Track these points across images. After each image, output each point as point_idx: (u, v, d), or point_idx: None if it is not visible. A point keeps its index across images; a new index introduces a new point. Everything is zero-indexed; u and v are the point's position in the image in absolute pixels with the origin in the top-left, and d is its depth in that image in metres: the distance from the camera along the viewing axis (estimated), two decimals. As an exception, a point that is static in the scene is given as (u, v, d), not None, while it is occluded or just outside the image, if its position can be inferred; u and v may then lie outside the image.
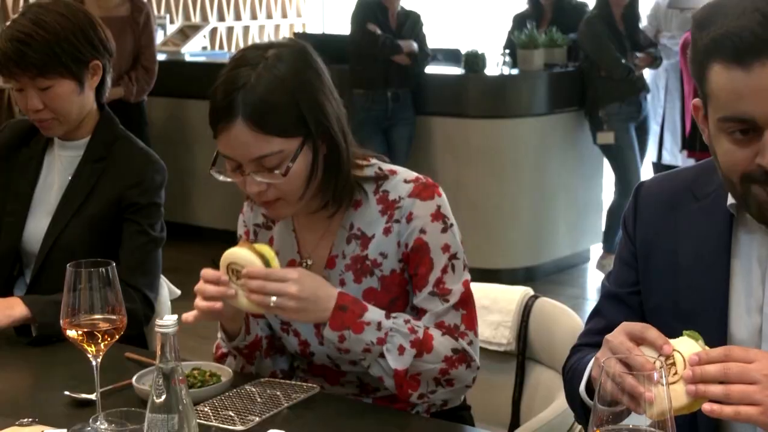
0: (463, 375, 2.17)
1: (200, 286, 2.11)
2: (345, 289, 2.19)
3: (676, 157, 7.31)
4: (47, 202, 2.77)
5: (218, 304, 2.09)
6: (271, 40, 2.14)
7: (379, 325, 2.10)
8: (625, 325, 1.67)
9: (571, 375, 1.93)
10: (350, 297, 2.11)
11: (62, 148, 2.80)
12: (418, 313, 2.19)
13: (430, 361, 2.12)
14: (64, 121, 2.73)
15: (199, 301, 2.11)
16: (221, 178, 2.16)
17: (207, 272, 2.11)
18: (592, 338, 1.95)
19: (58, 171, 2.80)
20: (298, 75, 2.08)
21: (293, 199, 2.13)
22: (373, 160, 2.25)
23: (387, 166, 2.24)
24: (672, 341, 1.62)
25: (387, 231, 2.18)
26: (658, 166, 7.18)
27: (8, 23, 2.69)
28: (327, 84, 2.13)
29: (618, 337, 1.65)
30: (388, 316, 2.12)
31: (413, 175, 2.22)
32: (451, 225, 2.20)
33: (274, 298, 2.03)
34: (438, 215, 2.18)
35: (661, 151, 7.25)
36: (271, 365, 2.32)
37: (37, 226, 2.75)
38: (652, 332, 1.64)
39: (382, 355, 2.11)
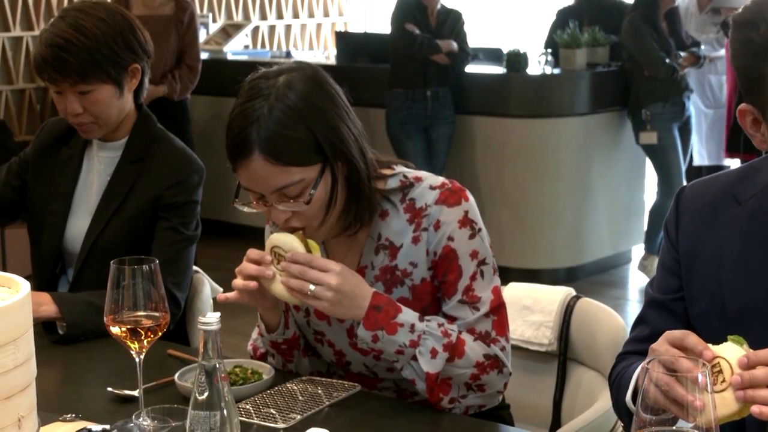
0: (495, 381, 2.17)
1: (242, 265, 2.11)
2: None
3: (704, 158, 7.26)
4: (88, 202, 2.78)
5: (253, 284, 2.09)
6: (281, 66, 2.12)
7: (412, 327, 2.10)
8: (668, 334, 1.66)
9: (617, 384, 1.92)
10: (385, 297, 2.11)
11: (101, 148, 2.81)
12: (448, 321, 2.18)
13: (462, 366, 2.12)
14: (103, 125, 2.73)
15: (236, 280, 2.11)
16: (246, 209, 2.16)
17: (252, 251, 2.12)
18: (637, 346, 1.94)
19: (97, 171, 2.81)
20: (311, 102, 2.06)
21: (318, 224, 2.12)
22: (398, 168, 2.23)
23: (412, 173, 2.23)
24: (716, 347, 1.60)
25: (416, 240, 2.17)
26: (690, 169, 7.11)
27: (47, 26, 2.67)
28: (341, 105, 2.11)
29: (662, 345, 1.64)
30: (421, 319, 2.12)
31: (439, 180, 2.21)
32: (480, 230, 2.18)
33: (312, 287, 2.03)
34: (465, 221, 2.17)
35: (691, 153, 7.18)
36: (309, 366, 2.32)
37: (78, 225, 2.77)
38: (692, 338, 1.62)
39: (414, 358, 2.10)
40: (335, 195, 2.11)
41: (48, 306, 2.52)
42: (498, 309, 2.18)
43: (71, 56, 2.60)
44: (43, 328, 2.55)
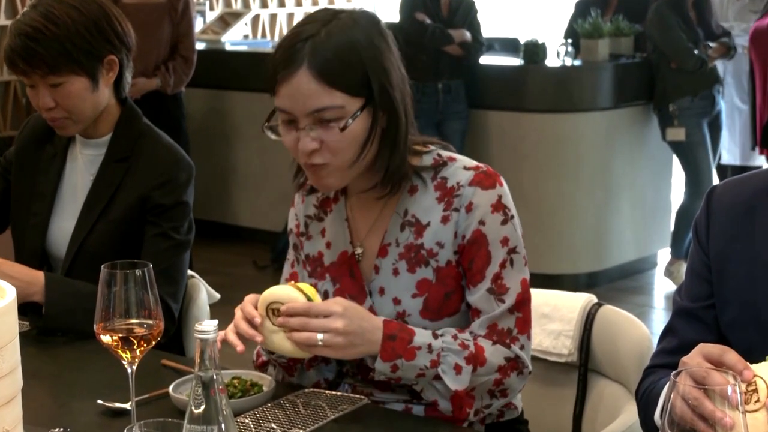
0: (515, 383, 2.18)
1: (236, 321, 2.13)
2: (399, 279, 2.20)
3: (735, 156, 7.24)
4: (71, 203, 2.80)
5: (241, 347, 2.10)
6: (343, 9, 2.18)
7: (429, 348, 2.11)
8: (703, 347, 1.65)
9: (645, 400, 1.92)
10: (395, 323, 2.12)
11: (84, 146, 2.82)
12: (471, 312, 2.19)
13: (485, 373, 2.13)
14: (77, 120, 2.73)
15: (229, 333, 2.12)
16: (273, 136, 2.17)
17: (246, 306, 2.13)
18: (665, 359, 1.94)
19: (80, 170, 2.82)
20: (370, 39, 2.12)
21: (343, 165, 2.13)
22: (433, 147, 2.27)
23: (446, 153, 2.26)
24: (754, 366, 1.59)
25: (445, 219, 2.19)
26: (718, 167, 7.09)
27: (18, 16, 2.68)
28: (396, 60, 2.18)
29: (695, 359, 1.63)
30: (435, 336, 2.13)
31: (473, 163, 2.24)
32: (512, 217, 2.21)
33: (321, 336, 2.03)
34: (499, 206, 2.19)
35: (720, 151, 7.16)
36: (315, 376, 2.33)
37: (62, 227, 2.79)
38: (731, 356, 1.61)
39: (436, 377, 2.11)
40: (370, 140, 2.13)
41: (37, 295, 2.58)
42: (523, 305, 2.20)
43: (40, 46, 2.60)
44: (28, 308, 2.60)
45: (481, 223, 2.17)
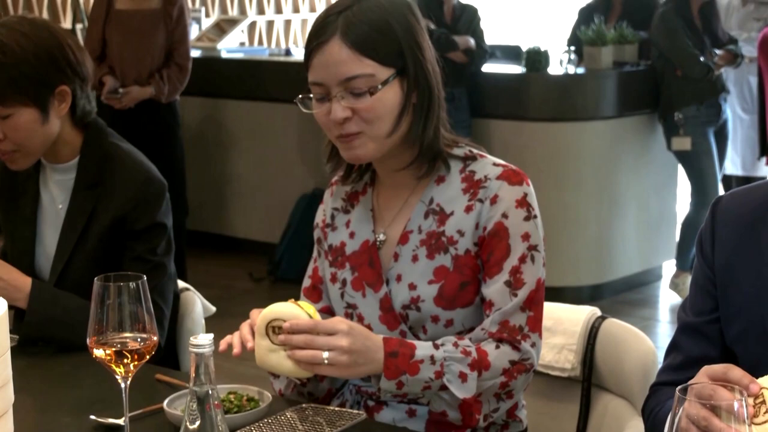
0: (521, 383, 2.20)
1: (241, 327, 2.14)
2: (417, 265, 2.23)
3: (737, 166, 7.24)
4: (51, 228, 2.79)
5: (237, 349, 2.11)
6: None
7: (432, 359, 2.12)
8: (707, 368, 1.66)
9: (652, 421, 1.93)
10: (395, 339, 2.13)
11: (52, 171, 2.80)
12: (484, 305, 2.20)
13: (489, 377, 2.14)
14: (27, 153, 2.71)
15: (235, 338, 2.13)
16: (305, 109, 2.23)
17: (254, 315, 2.14)
18: (670, 375, 1.95)
19: (54, 195, 2.81)
20: (404, 16, 2.20)
21: (375, 134, 2.18)
22: (464, 144, 2.32)
23: (477, 151, 2.32)
24: (761, 380, 1.60)
25: (468, 209, 2.23)
26: (723, 178, 7.08)
27: None
28: (428, 40, 2.25)
29: (700, 380, 1.64)
30: (437, 346, 2.14)
31: (503, 161, 2.29)
32: (535, 216, 2.24)
33: (326, 354, 2.03)
34: (523, 202, 2.23)
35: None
36: (328, 383, 2.34)
37: (45, 254, 2.80)
38: (735, 372, 1.62)
39: (442, 388, 2.12)
40: (404, 111, 2.20)
41: (20, 301, 2.62)
42: (535, 303, 2.21)
43: None
44: (15, 312, 2.63)
45: (504, 216, 2.21)
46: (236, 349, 2.11)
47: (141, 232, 2.72)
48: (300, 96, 2.22)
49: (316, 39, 2.16)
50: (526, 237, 2.21)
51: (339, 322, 2.07)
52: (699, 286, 1.94)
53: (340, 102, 2.15)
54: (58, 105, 2.69)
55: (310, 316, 2.08)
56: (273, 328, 2.07)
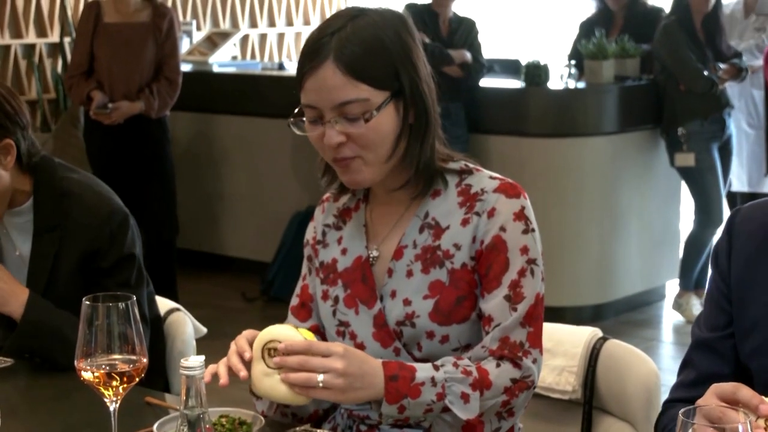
0: (522, 401, 2.20)
1: (230, 353, 2.11)
2: (411, 281, 2.23)
3: (743, 182, 7.24)
4: (18, 274, 2.77)
5: (224, 380, 2.09)
6: (370, 7, 2.24)
7: (433, 381, 2.11)
8: (716, 387, 1.66)
9: None
10: (394, 363, 2.13)
11: (9, 216, 2.80)
12: (483, 320, 2.20)
13: (491, 396, 2.14)
14: None
15: (220, 365, 2.10)
16: (298, 131, 2.23)
17: (240, 341, 2.12)
18: (683, 392, 1.96)
19: (13, 241, 2.81)
20: (398, 34, 2.19)
21: (373, 159, 2.19)
22: (459, 158, 2.33)
23: (473, 165, 2.32)
24: None
25: (465, 222, 2.24)
26: (728, 194, 7.08)
27: None
28: (423, 56, 2.25)
29: (710, 400, 1.64)
30: (436, 367, 2.14)
31: (499, 175, 2.30)
32: (533, 230, 2.25)
33: (321, 377, 2.02)
34: (521, 215, 2.23)
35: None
36: (314, 405, 2.33)
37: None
38: (745, 391, 1.62)
39: (445, 410, 2.11)
40: (401, 134, 2.20)
41: (15, 313, 2.63)
42: (534, 319, 2.21)
43: None
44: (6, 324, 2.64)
45: (502, 229, 2.21)
46: (223, 380, 2.07)
47: (111, 268, 2.74)
48: (292, 119, 2.22)
49: (309, 62, 2.15)
50: (524, 250, 2.22)
51: (335, 344, 2.07)
52: (713, 301, 1.95)
53: (334, 127, 2.15)
54: (4, 159, 2.70)
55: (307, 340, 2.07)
56: (269, 351, 2.06)
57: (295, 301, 2.44)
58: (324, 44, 2.14)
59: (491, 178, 2.28)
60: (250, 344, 2.10)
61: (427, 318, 2.21)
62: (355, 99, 2.13)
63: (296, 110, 2.23)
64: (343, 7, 2.33)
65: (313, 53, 2.15)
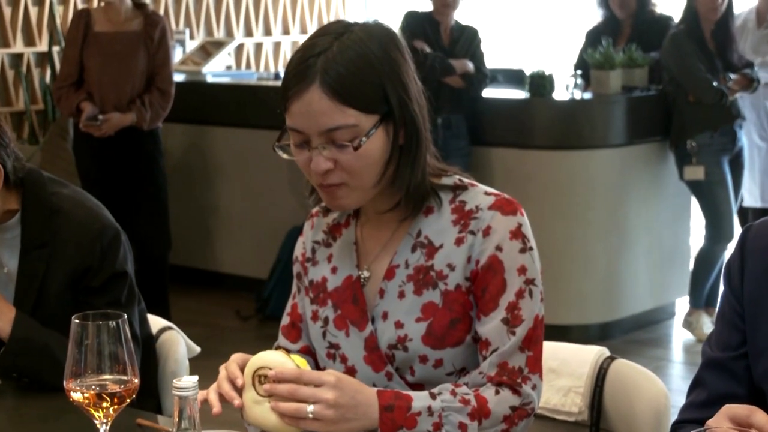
0: (521, 429, 2.19)
1: (220, 379, 2.10)
2: (403, 302, 2.22)
3: (755, 197, 7.23)
4: (5, 291, 2.78)
5: (217, 409, 2.06)
6: (357, 21, 2.22)
7: (429, 410, 2.10)
8: (728, 408, 1.66)
9: None
10: (390, 392, 2.12)
11: None
12: (479, 344, 2.20)
13: (490, 425, 2.13)
14: None
15: (211, 392, 2.08)
16: (285, 156, 2.22)
17: (230, 366, 2.10)
18: (693, 413, 1.95)
19: (2, 255, 2.82)
20: (386, 52, 2.16)
21: (360, 185, 2.17)
22: (453, 173, 2.31)
23: (468, 180, 2.30)
24: None
25: (459, 241, 2.22)
26: (739, 210, 7.06)
27: None
28: (412, 72, 2.21)
29: (720, 422, 1.64)
30: (433, 396, 2.13)
31: (494, 190, 2.28)
32: (531, 248, 2.23)
33: (311, 407, 2.01)
34: (518, 233, 2.21)
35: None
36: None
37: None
38: (759, 416, 1.62)
39: None
40: (390, 159, 2.17)
41: (2, 326, 2.64)
42: (534, 342, 2.21)
43: None
44: None
45: (498, 248, 2.20)
46: (216, 408, 2.05)
47: (101, 287, 2.75)
48: (277, 143, 2.21)
49: (294, 86, 2.13)
50: (522, 270, 2.21)
51: (327, 373, 2.05)
52: (726, 320, 1.95)
53: (322, 153, 2.13)
54: None
55: (299, 368, 2.07)
56: (259, 378, 2.05)
57: (285, 320, 2.43)
58: (309, 66, 2.11)
59: (486, 194, 2.25)
60: (241, 369, 2.09)
61: (420, 341, 2.20)
62: (343, 125, 2.11)
63: (280, 133, 2.22)
64: (341, 14, 2.32)
65: (298, 75, 2.12)
